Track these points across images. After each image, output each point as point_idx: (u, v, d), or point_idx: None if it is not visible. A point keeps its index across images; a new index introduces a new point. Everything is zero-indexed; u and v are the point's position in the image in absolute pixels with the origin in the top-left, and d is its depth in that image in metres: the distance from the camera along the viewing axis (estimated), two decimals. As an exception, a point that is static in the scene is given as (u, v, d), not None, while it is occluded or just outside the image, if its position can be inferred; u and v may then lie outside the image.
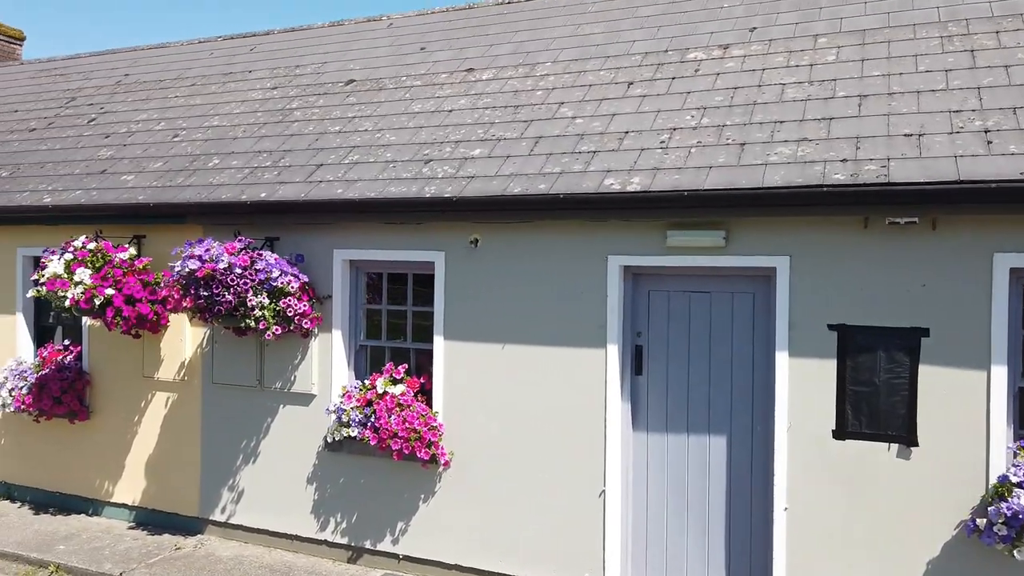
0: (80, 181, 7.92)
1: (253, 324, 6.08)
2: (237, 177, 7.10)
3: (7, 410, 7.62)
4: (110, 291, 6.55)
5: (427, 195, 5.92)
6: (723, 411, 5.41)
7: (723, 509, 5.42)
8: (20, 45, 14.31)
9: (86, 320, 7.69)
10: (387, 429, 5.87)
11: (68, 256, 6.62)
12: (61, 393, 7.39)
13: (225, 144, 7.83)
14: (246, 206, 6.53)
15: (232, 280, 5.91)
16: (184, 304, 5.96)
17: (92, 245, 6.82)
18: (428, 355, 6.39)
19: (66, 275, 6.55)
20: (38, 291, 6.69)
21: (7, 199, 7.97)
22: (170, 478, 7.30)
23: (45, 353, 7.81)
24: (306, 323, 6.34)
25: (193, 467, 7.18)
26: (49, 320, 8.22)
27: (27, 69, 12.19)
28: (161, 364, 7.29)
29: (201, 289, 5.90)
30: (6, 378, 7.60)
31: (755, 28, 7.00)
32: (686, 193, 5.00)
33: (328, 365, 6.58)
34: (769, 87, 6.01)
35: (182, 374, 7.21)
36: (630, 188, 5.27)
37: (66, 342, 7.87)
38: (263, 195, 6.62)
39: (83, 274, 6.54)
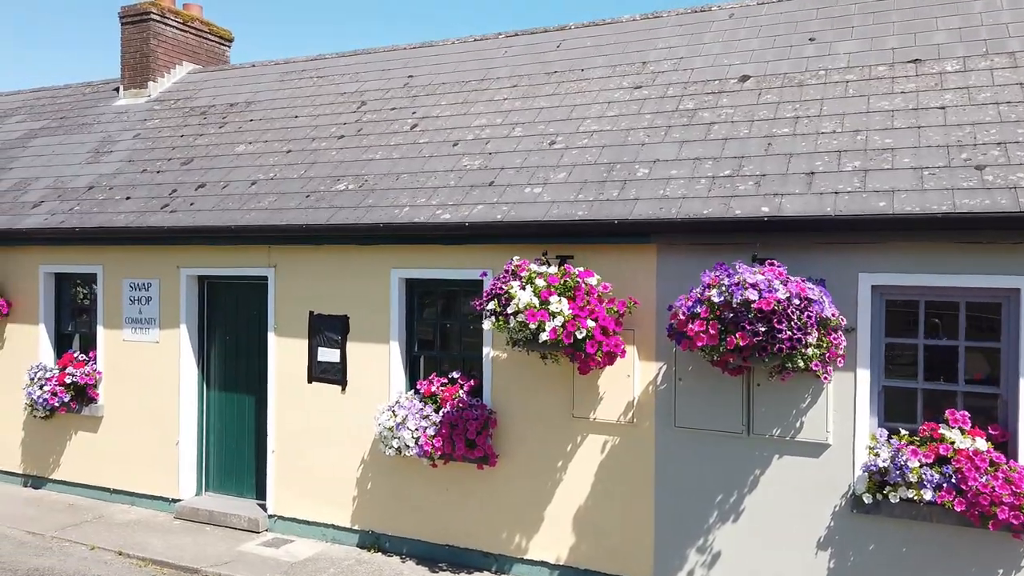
0: (468, 194, 7.04)
1: (802, 365, 5.12)
2: (696, 188, 6.15)
3: (407, 453, 6.73)
4: (591, 323, 5.64)
5: (1039, 209, 4.90)
6: None
7: None
8: (228, 47, 13.62)
9: (488, 351, 6.79)
10: (987, 493, 4.86)
11: (540, 283, 5.70)
12: (476, 435, 6.51)
13: (635, 151, 6.90)
14: (757, 223, 5.56)
15: (792, 313, 4.95)
16: (736, 340, 4.99)
17: (553, 269, 5.91)
18: (983, 399, 5.38)
19: (541, 304, 5.65)
20: (498, 323, 5.78)
21: (383, 215, 7.11)
22: (608, 534, 6.37)
23: (434, 388, 6.92)
24: (840, 362, 5.38)
25: (643, 523, 6.24)
26: (414, 350, 7.35)
27: (264, 71, 11.43)
28: (599, 403, 6.36)
29: (759, 324, 4.94)
30: (405, 417, 6.72)
31: None
32: None
33: (848, 410, 5.58)
34: None
35: (629, 415, 6.27)
36: None
37: (454, 374, 6.98)
38: (765, 209, 5.66)
39: (560, 304, 5.62)
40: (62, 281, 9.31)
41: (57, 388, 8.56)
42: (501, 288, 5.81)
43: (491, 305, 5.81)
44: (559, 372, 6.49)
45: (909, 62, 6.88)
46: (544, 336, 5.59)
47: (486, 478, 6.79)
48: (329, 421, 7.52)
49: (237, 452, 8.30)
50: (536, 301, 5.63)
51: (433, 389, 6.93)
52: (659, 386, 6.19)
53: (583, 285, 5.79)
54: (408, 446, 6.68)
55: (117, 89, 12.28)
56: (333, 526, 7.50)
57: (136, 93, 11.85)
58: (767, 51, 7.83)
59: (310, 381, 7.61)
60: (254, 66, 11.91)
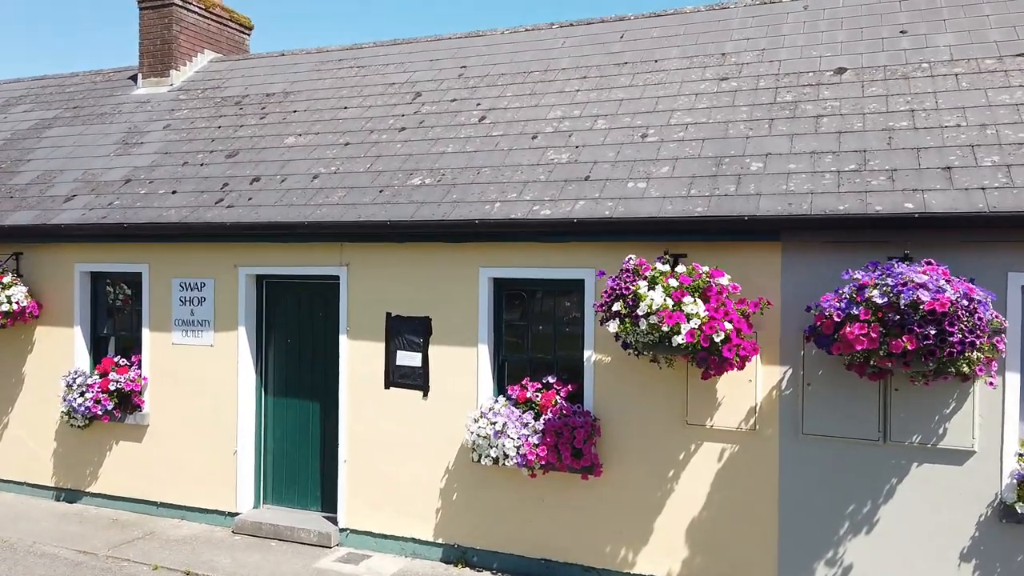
0: (563, 189, 6.66)
1: (967, 369, 4.86)
2: (823, 183, 5.86)
3: (506, 463, 6.34)
4: (728, 325, 5.32)
5: None
6: None
7: None
8: (248, 35, 13.05)
9: (590, 355, 6.43)
10: None
11: (672, 282, 5.37)
12: (583, 443, 6.15)
13: (740, 144, 6.58)
14: (903, 220, 5.24)
15: (962, 314, 4.69)
16: (903, 344, 4.70)
17: (682, 268, 5.57)
18: None
19: (675, 306, 5.31)
20: (624, 325, 5.43)
21: (472, 211, 6.68)
22: (727, 546, 6.05)
23: (529, 394, 6.52)
24: (994, 365, 5.13)
25: (766, 534, 5.93)
26: (502, 353, 6.95)
27: (296, 60, 10.92)
28: (717, 410, 6.04)
29: (929, 326, 4.66)
30: (504, 425, 6.33)
31: None
32: None
33: (995, 416, 5.33)
34: None
35: (750, 422, 5.97)
36: None
37: (549, 379, 6.61)
38: (908, 206, 5.35)
39: (696, 305, 5.29)
40: (97, 281, 8.74)
41: (100, 395, 7.97)
42: (627, 288, 5.46)
43: (617, 306, 5.45)
44: (670, 377, 6.17)
45: (1018, 55, 6.69)
46: (679, 339, 5.25)
47: (588, 488, 6.44)
48: (409, 429, 7.10)
49: (300, 462, 7.81)
50: (670, 302, 5.29)
51: (528, 395, 6.55)
52: (783, 391, 5.89)
53: (714, 285, 5.47)
54: (508, 455, 6.30)
55: (133, 78, 11.66)
56: (413, 540, 7.08)
57: (157, 82, 11.24)
58: (857, 43, 7.59)
59: (387, 386, 7.17)
60: (283, 55, 11.37)
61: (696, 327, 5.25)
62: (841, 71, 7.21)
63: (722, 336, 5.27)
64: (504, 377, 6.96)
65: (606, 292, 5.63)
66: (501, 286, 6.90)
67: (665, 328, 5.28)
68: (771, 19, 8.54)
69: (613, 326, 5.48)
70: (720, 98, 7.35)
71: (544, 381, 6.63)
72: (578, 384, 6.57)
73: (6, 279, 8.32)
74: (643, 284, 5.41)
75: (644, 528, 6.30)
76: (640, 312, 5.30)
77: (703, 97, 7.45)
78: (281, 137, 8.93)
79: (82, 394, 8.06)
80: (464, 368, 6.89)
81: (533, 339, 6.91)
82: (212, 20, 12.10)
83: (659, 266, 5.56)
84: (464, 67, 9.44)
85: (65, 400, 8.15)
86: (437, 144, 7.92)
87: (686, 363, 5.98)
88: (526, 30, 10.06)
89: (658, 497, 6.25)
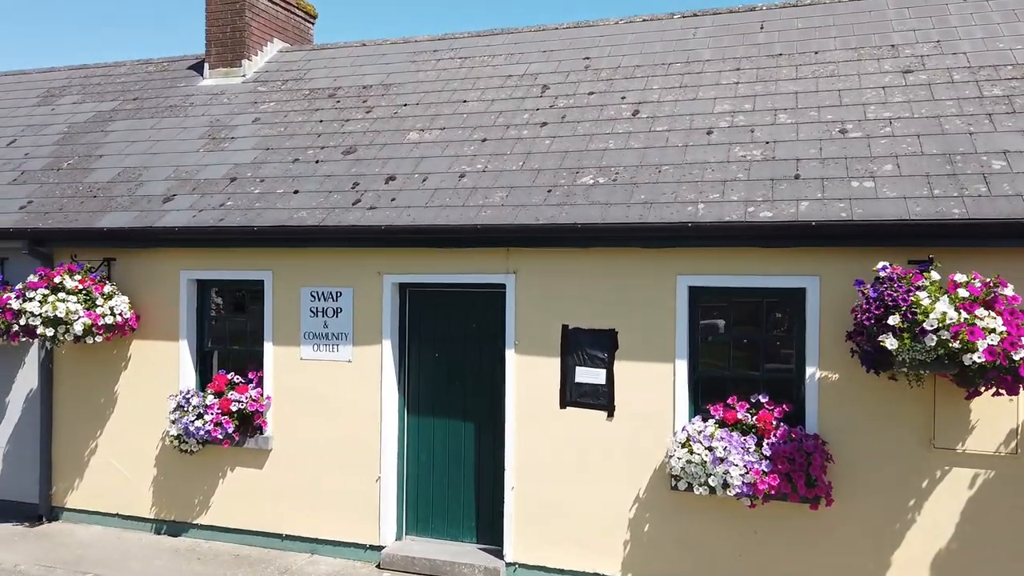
0: (774, 189, 6.02)
1: None
2: (1090, 184, 5.37)
3: (728, 492, 5.72)
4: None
5: None
6: None
7: None
8: (312, 24, 12.26)
9: (813, 372, 5.83)
10: None
11: (962, 293, 4.79)
12: (819, 470, 5.55)
13: (966, 140, 6.04)
14: None
15: None
16: None
17: (962, 277, 4.99)
18: None
19: (969, 320, 4.73)
20: (904, 341, 4.82)
21: (673, 213, 6.03)
22: (979, 583, 5.54)
23: (740, 415, 5.89)
24: None
25: None
26: (696, 370, 6.32)
27: (383, 50, 10.20)
28: (970, 432, 5.49)
29: None
30: (727, 450, 5.70)
31: None
32: None
33: None
34: None
35: (1011, 446, 5.42)
36: None
37: (760, 398, 5.98)
38: None
39: (992, 320, 4.69)
40: (204, 289, 7.90)
41: (221, 417, 7.16)
42: (903, 299, 4.88)
43: (893, 320, 4.87)
44: (910, 397, 5.59)
45: None
46: (975, 357, 4.67)
47: (813, 519, 5.83)
48: (589, 452, 6.42)
49: (451, 489, 7.08)
50: (963, 315, 4.73)
51: (739, 416, 5.94)
52: (1050, 411, 5.39)
53: (1000, 296, 4.92)
54: (729, 484, 5.68)
55: (196, 68, 10.82)
56: (596, 575, 6.44)
57: (227, 72, 10.41)
58: (1047, 34, 7.15)
59: (563, 406, 6.50)
60: (364, 44, 10.62)
61: (995, 343, 4.70)
62: (1042, 64, 6.76)
63: (1022, 354, 4.73)
64: (699, 395, 6.36)
65: (869, 304, 5.05)
66: (697, 296, 6.30)
67: (956, 345, 4.71)
68: (931, 10, 8.04)
69: (890, 342, 4.87)
70: (915, 91, 6.81)
71: (753, 400, 6.03)
72: (793, 404, 5.98)
73: (106, 288, 7.48)
74: (923, 295, 4.84)
75: (880, 562, 5.72)
76: (928, 327, 4.72)
77: (893, 91, 6.90)
78: (401, 132, 8.18)
79: (199, 416, 7.23)
80: (657, 386, 6.24)
81: (734, 354, 6.30)
82: (280, 7, 11.27)
83: (934, 274, 4.99)
84: (587, 59, 8.79)
85: (178, 423, 7.31)
86: (593, 140, 7.27)
87: (934, 381, 5.45)
88: (644, 20, 9.46)
89: (896, 528, 5.69)
